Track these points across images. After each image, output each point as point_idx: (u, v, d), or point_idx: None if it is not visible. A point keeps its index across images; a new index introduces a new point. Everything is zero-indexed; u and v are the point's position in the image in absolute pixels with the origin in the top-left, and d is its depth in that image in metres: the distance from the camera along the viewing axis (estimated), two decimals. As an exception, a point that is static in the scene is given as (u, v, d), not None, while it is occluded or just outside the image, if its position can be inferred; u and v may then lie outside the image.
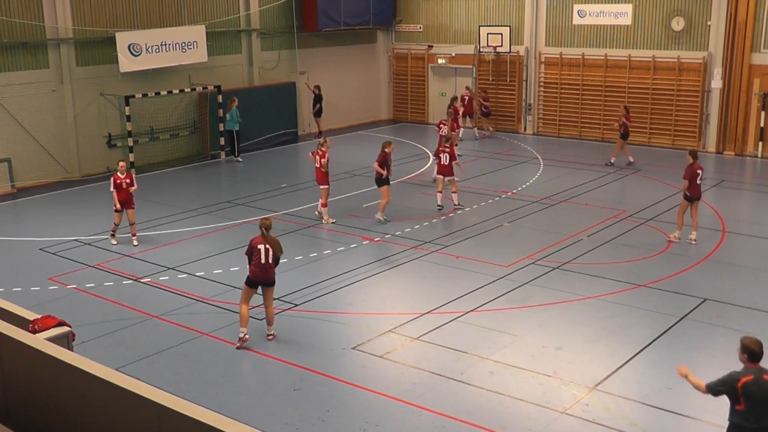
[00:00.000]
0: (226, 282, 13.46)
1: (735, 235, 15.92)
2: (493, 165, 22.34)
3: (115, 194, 15.25)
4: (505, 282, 13.31)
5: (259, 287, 10.95)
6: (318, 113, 26.99)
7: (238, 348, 10.85)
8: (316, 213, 17.16)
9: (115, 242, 15.61)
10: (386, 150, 16.52)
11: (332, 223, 16.77)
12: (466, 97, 26.34)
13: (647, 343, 10.93)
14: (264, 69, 26.41)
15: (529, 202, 18.47)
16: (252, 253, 10.79)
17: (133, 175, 15.82)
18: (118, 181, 15.27)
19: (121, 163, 15.59)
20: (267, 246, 10.72)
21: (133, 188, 15.37)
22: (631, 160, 22.13)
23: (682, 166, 15.90)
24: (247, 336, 10.88)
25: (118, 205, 15.28)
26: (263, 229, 10.83)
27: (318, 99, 26.84)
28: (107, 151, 22.41)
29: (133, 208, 15.53)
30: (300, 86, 27.05)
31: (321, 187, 16.78)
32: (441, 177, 17.74)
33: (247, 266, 10.96)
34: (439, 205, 17.73)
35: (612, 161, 22.22)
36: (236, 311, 12.17)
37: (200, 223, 17.10)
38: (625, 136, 22.02)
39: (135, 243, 15.56)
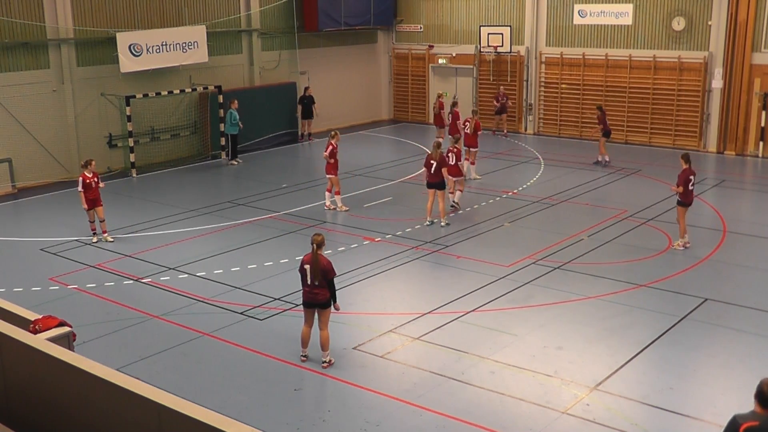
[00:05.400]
0: (227, 282, 13.47)
1: (735, 235, 15.91)
2: (493, 165, 22.34)
3: (83, 194, 15.35)
4: (505, 282, 13.31)
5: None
6: (307, 115, 26.58)
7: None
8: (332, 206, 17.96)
9: (96, 240, 15.71)
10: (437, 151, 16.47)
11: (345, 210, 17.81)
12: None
13: (648, 343, 10.93)
14: (265, 69, 26.41)
15: (529, 202, 18.47)
16: (301, 272, 10.23)
17: (98, 174, 15.99)
18: (87, 181, 15.40)
19: (93, 162, 15.79)
20: (311, 267, 10.07)
21: (102, 184, 15.68)
22: (604, 159, 22.30)
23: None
24: (303, 357, 10.50)
25: (86, 205, 15.44)
26: (313, 245, 10.16)
27: (304, 99, 26.39)
28: (108, 152, 22.42)
29: (102, 206, 15.72)
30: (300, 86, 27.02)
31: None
32: (449, 177, 17.58)
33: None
34: (453, 205, 17.84)
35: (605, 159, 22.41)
36: (237, 311, 12.22)
37: (201, 223, 17.11)
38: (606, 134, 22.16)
39: (110, 239, 15.74)
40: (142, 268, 14.25)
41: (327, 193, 17.97)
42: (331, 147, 17.34)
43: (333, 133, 17.75)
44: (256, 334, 11.44)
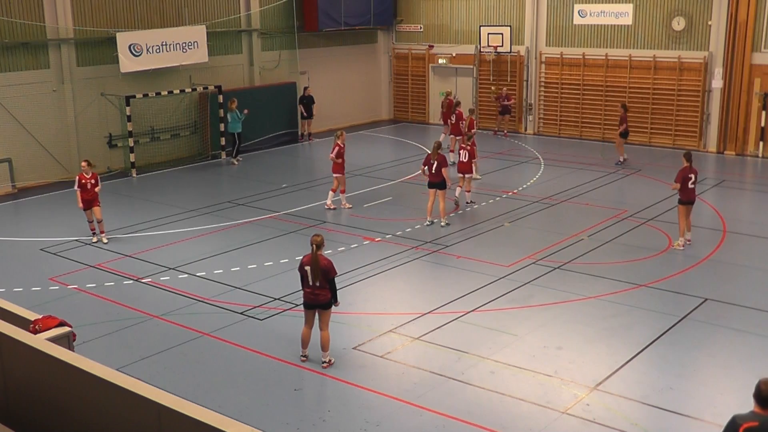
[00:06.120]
0: (227, 282, 13.47)
1: (735, 235, 15.91)
2: (493, 165, 22.34)
3: (78, 193, 15.32)
4: (505, 282, 13.31)
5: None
6: (307, 115, 26.56)
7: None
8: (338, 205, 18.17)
9: (96, 240, 15.69)
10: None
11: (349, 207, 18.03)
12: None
13: (648, 343, 10.93)
14: (265, 69, 26.41)
15: (530, 201, 18.47)
16: (301, 273, 10.21)
17: (98, 175, 15.86)
18: (83, 181, 15.36)
19: (83, 163, 15.68)
20: (312, 267, 10.04)
21: (97, 188, 15.50)
22: (622, 158, 22.45)
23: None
24: (303, 358, 10.51)
25: (81, 204, 15.39)
26: (313, 246, 10.10)
27: (304, 99, 26.39)
28: (108, 152, 22.43)
29: (99, 206, 15.62)
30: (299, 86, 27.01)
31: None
32: (461, 175, 17.87)
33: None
34: (455, 199, 18.06)
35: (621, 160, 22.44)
36: (237, 311, 12.22)
37: (201, 223, 17.11)
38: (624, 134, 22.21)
39: (105, 240, 15.67)
40: (142, 268, 14.25)
41: (330, 193, 18.01)
42: (337, 147, 17.50)
43: (338, 133, 17.95)
44: (256, 334, 11.44)
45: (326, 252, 14.86)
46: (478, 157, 18.43)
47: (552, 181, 20.56)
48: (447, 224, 16.49)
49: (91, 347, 10.51)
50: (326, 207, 17.91)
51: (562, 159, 23.30)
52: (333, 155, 17.53)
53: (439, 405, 9.32)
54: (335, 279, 10.27)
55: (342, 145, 17.56)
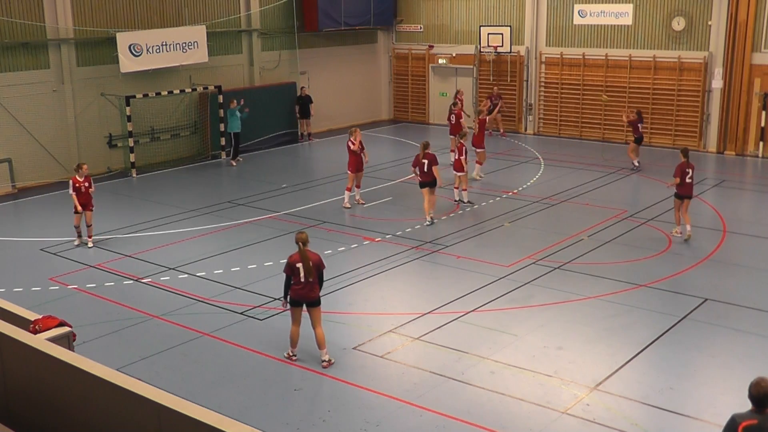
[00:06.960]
0: (227, 282, 13.47)
1: (735, 235, 15.91)
2: (493, 165, 22.32)
3: (75, 197, 15.28)
4: (505, 282, 13.31)
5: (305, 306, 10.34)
6: (304, 115, 26.68)
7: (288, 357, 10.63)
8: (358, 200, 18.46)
9: (78, 243, 15.58)
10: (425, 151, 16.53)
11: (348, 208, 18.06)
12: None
13: (648, 343, 10.93)
14: (265, 69, 26.41)
15: (530, 202, 18.47)
16: (291, 272, 10.16)
17: (91, 178, 15.75)
18: (77, 185, 15.30)
19: (84, 167, 15.57)
20: (304, 264, 10.08)
21: (91, 190, 15.48)
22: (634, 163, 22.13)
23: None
24: (293, 357, 10.51)
25: (80, 208, 15.31)
26: (300, 244, 10.13)
27: (300, 99, 26.48)
28: (108, 152, 22.43)
29: (92, 211, 15.54)
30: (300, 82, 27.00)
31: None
32: (455, 173, 18.12)
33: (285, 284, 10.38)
34: (456, 200, 18.25)
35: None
36: (237, 311, 12.22)
37: (201, 223, 17.11)
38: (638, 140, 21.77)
39: (89, 245, 15.50)
40: (142, 268, 14.25)
41: (356, 189, 18.29)
42: (350, 144, 17.79)
43: (352, 130, 18.28)
44: (256, 334, 11.44)
45: (326, 252, 14.91)
46: (465, 155, 18.15)
47: (552, 181, 20.56)
48: (432, 222, 16.51)
49: (91, 347, 10.51)
50: (355, 201, 18.23)
51: (562, 159, 23.30)
52: (356, 149, 17.79)
53: (439, 405, 9.32)
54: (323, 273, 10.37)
55: (355, 142, 17.77)
